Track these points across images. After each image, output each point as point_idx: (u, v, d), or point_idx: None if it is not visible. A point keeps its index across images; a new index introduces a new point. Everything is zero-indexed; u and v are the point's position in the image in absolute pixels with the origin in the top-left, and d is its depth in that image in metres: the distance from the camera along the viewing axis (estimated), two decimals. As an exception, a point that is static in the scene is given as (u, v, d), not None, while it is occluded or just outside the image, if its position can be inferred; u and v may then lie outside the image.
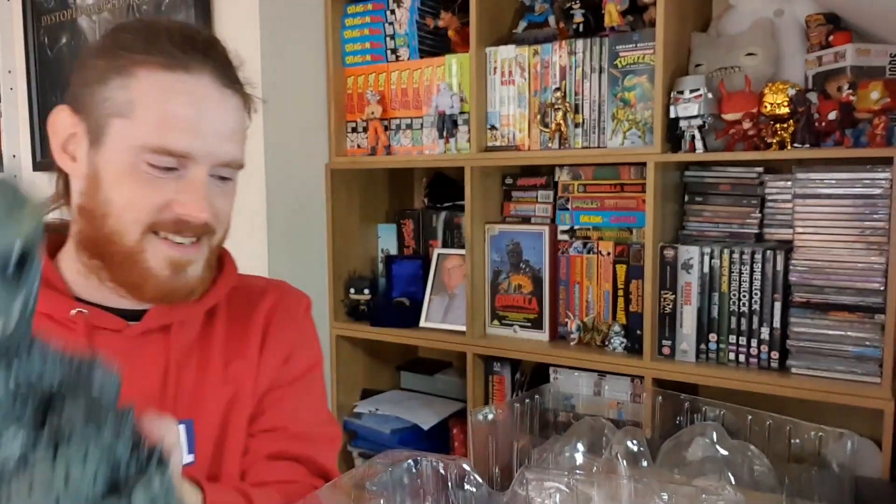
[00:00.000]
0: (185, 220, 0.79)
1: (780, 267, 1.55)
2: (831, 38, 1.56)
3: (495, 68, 1.84)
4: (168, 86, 0.77)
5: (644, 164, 1.65)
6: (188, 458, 0.85)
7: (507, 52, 1.81)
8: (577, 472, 0.93)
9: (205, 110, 0.78)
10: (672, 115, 1.60)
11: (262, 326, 0.93)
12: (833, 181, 1.50)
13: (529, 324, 1.87)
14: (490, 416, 1.19)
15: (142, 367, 0.83)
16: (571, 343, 1.81)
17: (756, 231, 1.66)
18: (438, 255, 2.05)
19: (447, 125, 1.87)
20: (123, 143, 0.77)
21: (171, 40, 0.78)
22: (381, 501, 0.78)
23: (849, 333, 1.49)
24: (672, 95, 1.61)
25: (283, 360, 0.94)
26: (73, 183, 0.83)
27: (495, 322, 1.91)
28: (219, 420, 0.87)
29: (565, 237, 1.87)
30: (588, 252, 1.81)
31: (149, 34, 0.79)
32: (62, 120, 0.80)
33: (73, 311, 0.79)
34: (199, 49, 0.79)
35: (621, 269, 1.75)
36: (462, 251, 1.96)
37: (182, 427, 0.84)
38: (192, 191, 0.78)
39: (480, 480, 0.84)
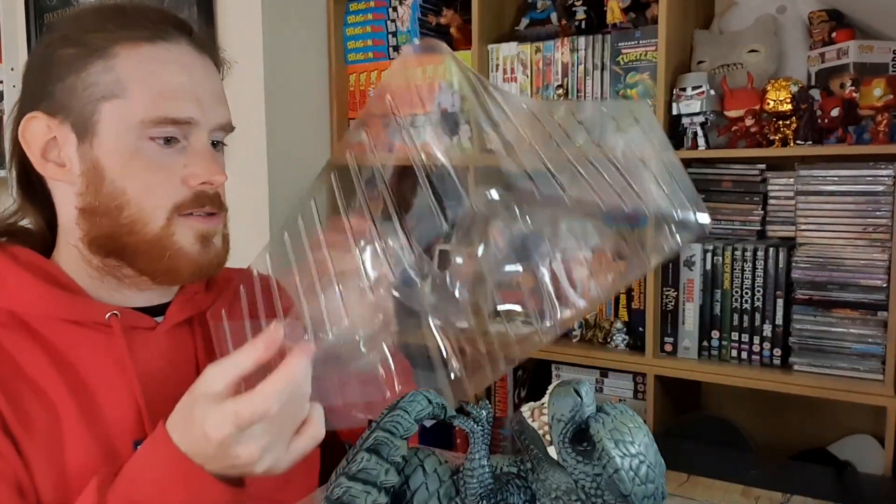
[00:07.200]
0: (203, 190, 0.77)
1: (782, 264, 1.55)
2: (834, 34, 1.56)
3: (497, 66, 1.83)
4: (154, 56, 0.75)
5: (646, 161, 1.65)
6: None
7: (510, 49, 1.81)
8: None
9: (194, 75, 0.77)
10: (674, 112, 1.60)
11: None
12: (836, 178, 1.50)
13: (532, 321, 1.87)
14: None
15: (177, 360, 0.82)
16: (573, 340, 1.81)
17: (758, 228, 1.65)
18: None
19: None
20: (121, 125, 0.73)
21: (141, 14, 0.76)
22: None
23: (851, 330, 1.49)
24: (674, 92, 1.61)
25: None
26: (61, 189, 0.78)
27: (497, 319, 1.91)
28: None
29: (567, 234, 1.87)
30: (590, 249, 1.81)
31: (114, 13, 0.76)
32: (35, 127, 0.75)
33: (108, 315, 0.75)
34: (171, 20, 0.78)
35: (623, 267, 1.75)
36: (464, 248, 1.95)
37: None
38: (201, 158, 0.77)
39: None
